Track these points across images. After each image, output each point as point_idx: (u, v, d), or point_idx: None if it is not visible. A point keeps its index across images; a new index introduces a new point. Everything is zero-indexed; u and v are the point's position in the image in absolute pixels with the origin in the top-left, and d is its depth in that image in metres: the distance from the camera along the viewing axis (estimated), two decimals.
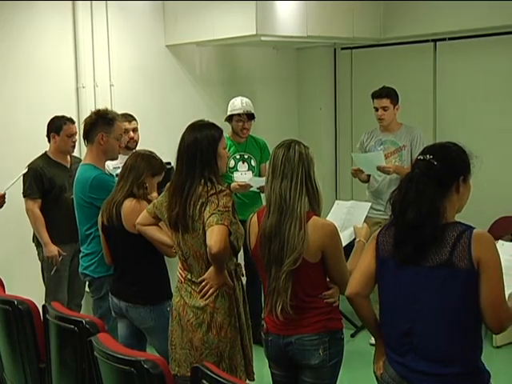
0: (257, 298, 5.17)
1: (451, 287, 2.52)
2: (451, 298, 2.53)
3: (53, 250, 4.99)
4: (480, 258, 2.48)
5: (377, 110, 5.60)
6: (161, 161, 4.01)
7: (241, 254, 3.60)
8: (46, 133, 5.11)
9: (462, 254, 2.49)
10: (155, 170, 3.91)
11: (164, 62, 6.55)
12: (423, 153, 2.68)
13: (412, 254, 2.58)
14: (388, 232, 2.70)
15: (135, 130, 5.41)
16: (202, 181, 3.34)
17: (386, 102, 5.55)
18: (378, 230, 2.78)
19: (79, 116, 5.81)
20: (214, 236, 3.21)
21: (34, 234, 5.20)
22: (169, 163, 5.73)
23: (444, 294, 2.54)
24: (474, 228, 2.55)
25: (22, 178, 5.00)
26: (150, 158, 3.93)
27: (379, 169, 5.48)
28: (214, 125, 3.50)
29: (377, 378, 2.81)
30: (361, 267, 2.79)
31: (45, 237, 5.00)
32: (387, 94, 5.55)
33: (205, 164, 3.36)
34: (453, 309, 2.54)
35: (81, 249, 4.38)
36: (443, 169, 2.60)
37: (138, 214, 3.70)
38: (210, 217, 3.25)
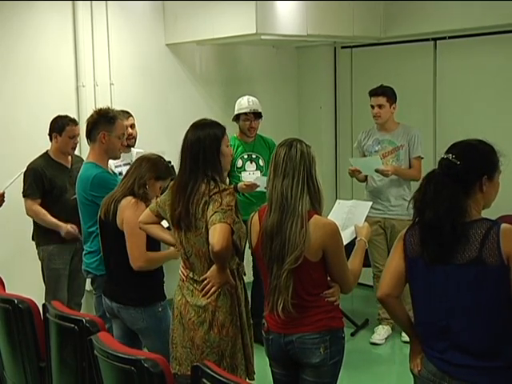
0: (262, 298, 5.16)
1: (483, 284, 2.53)
2: (484, 294, 2.54)
3: (65, 227, 4.92)
4: (510, 252, 2.49)
5: (373, 107, 5.61)
6: (167, 166, 3.98)
7: (248, 253, 3.59)
8: (47, 131, 5.10)
9: (491, 250, 2.51)
10: (160, 172, 3.88)
11: (164, 60, 6.55)
12: (447, 151, 2.68)
13: (438, 252, 2.59)
14: (414, 232, 2.71)
15: (133, 126, 5.43)
16: (206, 179, 3.34)
17: (381, 99, 5.56)
18: (405, 230, 2.78)
19: (79, 115, 5.82)
20: (217, 234, 3.21)
21: (33, 233, 5.19)
22: (169, 162, 5.73)
23: (476, 290, 2.55)
24: (500, 223, 2.56)
25: (21, 177, 4.99)
26: (155, 161, 3.91)
27: (378, 171, 5.49)
28: (216, 123, 3.50)
29: (414, 376, 2.81)
30: (390, 268, 2.79)
31: (53, 222, 4.95)
32: (383, 91, 5.57)
33: (208, 163, 3.36)
34: (486, 304, 2.55)
35: (84, 247, 4.38)
36: (465, 168, 2.61)
37: (133, 213, 3.69)
38: (212, 215, 3.25)
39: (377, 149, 5.68)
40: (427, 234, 2.62)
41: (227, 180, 5.23)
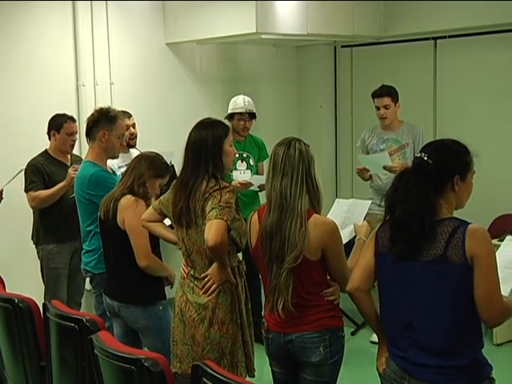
0: (256, 296, 5.17)
1: (446, 282, 2.55)
2: (447, 292, 2.56)
3: (67, 177, 4.84)
4: (473, 252, 2.51)
5: (378, 109, 5.58)
6: (166, 163, 3.99)
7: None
8: (46, 130, 5.11)
9: (456, 248, 2.53)
10: (158, 170, 3.88)
11: (164, 60, 6.55)
12: (421, 150, 2.72)
13: (406, 249, 2.62)
14: (385, 228, 2.74)
15: (134, 125, 5.44)
16: (206, 177, 3.35)
17: (387, 100, 5.53)
18: (378, 226, 2.81)
19: (79, 114, 5.82)
20: (212, 230, 3.22)
21: (32, 232, 5.19)
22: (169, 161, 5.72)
23: (439, 288, 2.57)
24: (469, 223, 2.57)
25: (21, 175, 4.99)
26: (154, 159, 3.91)
27: (386, 168, 5.47)
28: (220, 122, 3.52)
29: (380, 375, 2.82)
30: (361, 263, 2.82)
31: (58, 186, 4.89)
32: (388, 92, 5.54)
33: (210, 160, 3.37)
34: (449, 302, 2.57)
35: (83, 246, 4.39)
36: (436, 168, 2.63)
37: (133, 212, 3.71)
38: (210, 211, 3.27)
39: (382, 147, 5.66)
40: (396, 230, 2.65)
41: None
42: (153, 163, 3.88)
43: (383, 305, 2.79)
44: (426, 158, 2.65)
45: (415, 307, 2.63)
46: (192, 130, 3.46)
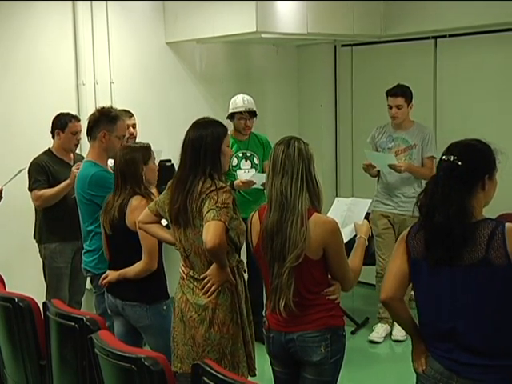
0: (258, 296, 5.16)
1: (490, 284, 2.54)
2: (492, 294, 2.55)
3: (70, 177, 4.84)
4: None
5: (390, 107, 5.59)
6: (140, 145, 3.96)
7: (243, 252, 3.60)
8: (49, 129, 5.10)
9: (497, 250, 2.51)
10: (144, 157, 3.86)
11: (164, 59, 6.54)
12: (447, 152, 2.67)
13: (445, 254, 2.59)
14: (418, 235, 2.70)
15: (134, 125, 5.44)
16: (203, 177, 3.35)
17: (400, 100, 5.54)
18: (407, 232, 2.77)
19: (79, 113, 5.81)
20: (210, 232, 3.22)
21: (34, 232, 5.19)
22: (169, 160, 5.73)
23: (483, 291, 2.55)
24: (504, 223, 2.57)
25: (21, 174, 4.98)
26: (131, 154, 3.86)
27: (391, 167, 5.47)
28: (219, 122, 3.52)
29: (417, 374, 2.80)
30: (392, 270, 2.78)
31: (62, 185, 4.89)
32: (403, 93, 5.55)
33: (208, 160, 3.37)
34: (494, 305, 2.56)
35: (83, 245, 4.38)
36: (468, 169, 2.61)
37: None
38: (207, 213, 3.26)
39: (390, 146, 5.67)
40: (435, 237, 2.61)
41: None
42: (133, 158, 3.83)
43: (422, 311, 2.76)
44: (455, 161, 2.61)
45: (459, 312, 2.61)
46: (190, 129, 3.45)
